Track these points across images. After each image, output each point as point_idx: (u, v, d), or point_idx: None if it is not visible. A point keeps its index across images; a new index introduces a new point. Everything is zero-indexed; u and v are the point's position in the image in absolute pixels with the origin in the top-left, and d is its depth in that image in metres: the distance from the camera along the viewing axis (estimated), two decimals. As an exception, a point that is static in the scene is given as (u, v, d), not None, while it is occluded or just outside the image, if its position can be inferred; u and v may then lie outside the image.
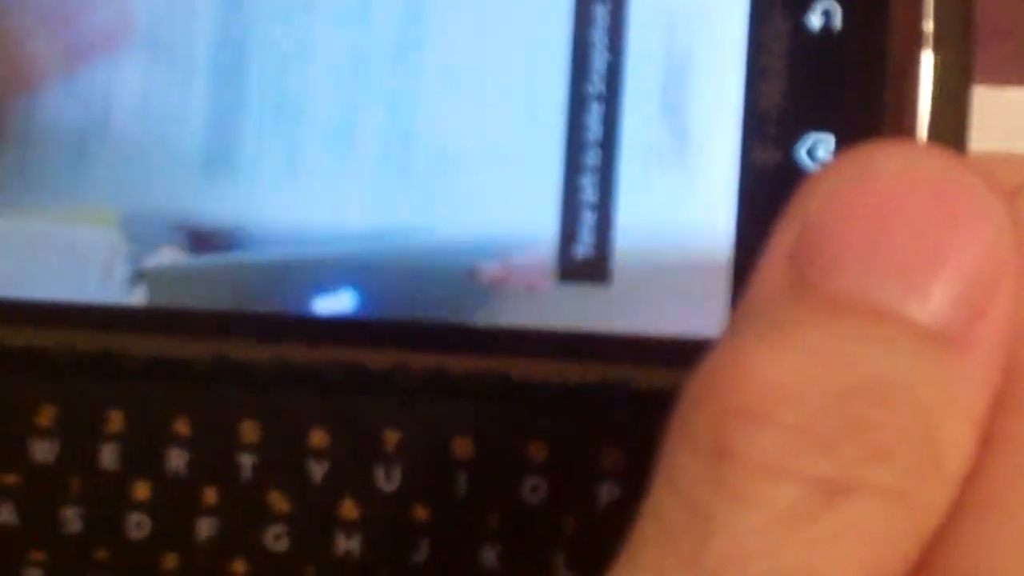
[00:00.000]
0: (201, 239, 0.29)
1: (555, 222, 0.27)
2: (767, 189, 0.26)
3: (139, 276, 0.29)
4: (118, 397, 0.29)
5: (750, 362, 0.18)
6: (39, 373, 0.29)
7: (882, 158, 0.20)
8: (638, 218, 0.27)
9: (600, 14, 0.27)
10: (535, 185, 0.27)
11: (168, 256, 0.29)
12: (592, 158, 0.27)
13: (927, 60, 0.25)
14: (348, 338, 0.28)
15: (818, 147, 0.25)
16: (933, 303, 0.18)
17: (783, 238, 0.20)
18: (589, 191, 0.27)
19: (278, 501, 0.28)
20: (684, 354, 0.26)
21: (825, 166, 0.20)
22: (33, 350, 0.29)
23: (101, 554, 0.29)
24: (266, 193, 0.28)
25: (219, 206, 0.29)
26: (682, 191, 0.26)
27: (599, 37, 0.27)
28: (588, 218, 0.27)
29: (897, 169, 0.19)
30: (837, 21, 0.25)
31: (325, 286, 0.28)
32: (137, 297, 0.29)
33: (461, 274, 0.27)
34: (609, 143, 0.27)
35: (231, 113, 0.29)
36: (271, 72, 0.29)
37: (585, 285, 0.27)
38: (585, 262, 0.27)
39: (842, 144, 0.25)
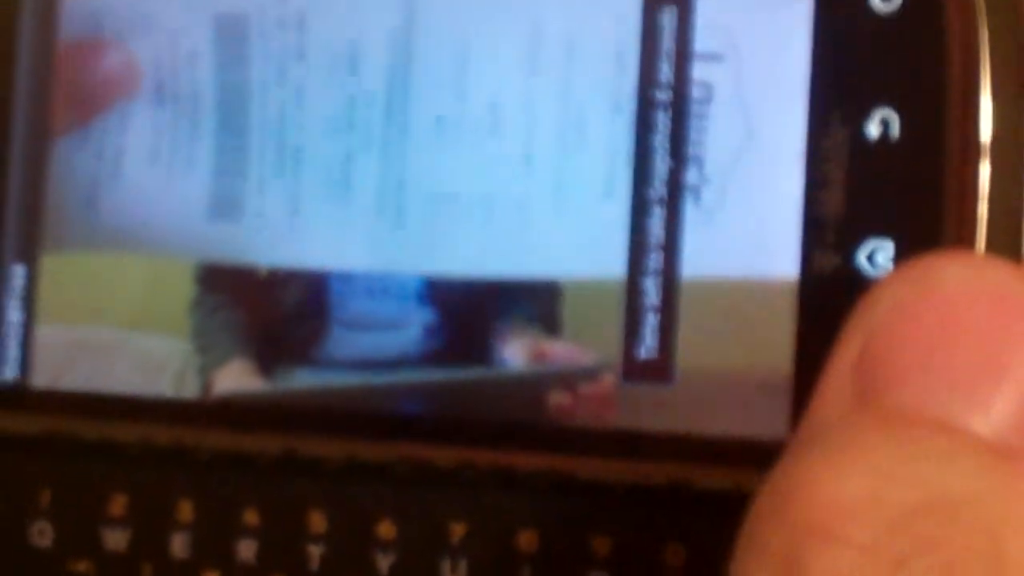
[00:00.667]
0: (270, 353, 0.30)
1: (619, 327, 0.28)
2: (827, 293, 0.26)
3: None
4: (189, 487, 0.29)
5: (819, 479, 0.18)
6: (112, 463, 0.30)
7: (943, 270, 0.20)
8: (701, 320, 0.27)
9: (662, 121, 0.27)
10: (600, 287, 0.28)
11: (238, 369, 0.30)
12: (655, 261, 0.27)
13: (984, 169, 0.25)
14: (416, 435, 0.28)
15: (878, 253, 0.26)
16: (995, 416, 0.19)
17: (847, 349, 0.20)
18: (652, 294, 0.27)
19: None
20: (746, 455, 0.26)
21: (887, 277, 0.21)
22: (107, 442, 0.30)
23: (172, 641, 0.30)
24: (359, 300, 0.29)
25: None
26: (744, 294, 0.27)
27: (661, 143, 0.27)
28: (651, 320, 0.27)
29: (958, 282, 0.20)
30: (895, 130, 0.26)
31: (395, 399, 0.29)
32: (194, 374, 0.30)
33: (529, 404, 0.28)
34: (671, 247, 0.27)
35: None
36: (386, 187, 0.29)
37: (649, 386, 0.27)
38: (648, 363, 0.27)
39: (901, 250, 0.26)
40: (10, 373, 0.30)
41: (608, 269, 0.28)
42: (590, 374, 0.28)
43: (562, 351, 0.28)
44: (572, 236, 0.28)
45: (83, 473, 0.30)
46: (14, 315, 0.30)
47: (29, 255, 0.30)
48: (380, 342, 0.29)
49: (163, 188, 0.31)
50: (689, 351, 0.27)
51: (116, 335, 0.30)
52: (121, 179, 0.31)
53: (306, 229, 0.30)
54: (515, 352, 0.28)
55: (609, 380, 0.28)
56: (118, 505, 0.30)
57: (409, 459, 0.28)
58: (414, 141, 0.29)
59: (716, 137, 0.27)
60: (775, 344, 0.26)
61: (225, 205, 0.30)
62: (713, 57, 0.27)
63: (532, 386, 0.28)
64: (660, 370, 0.27)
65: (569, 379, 0.28)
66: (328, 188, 0.30)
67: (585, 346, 0.28)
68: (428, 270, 0.29)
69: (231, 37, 0.31)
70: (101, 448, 0.30)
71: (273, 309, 0.30)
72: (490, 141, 0.29)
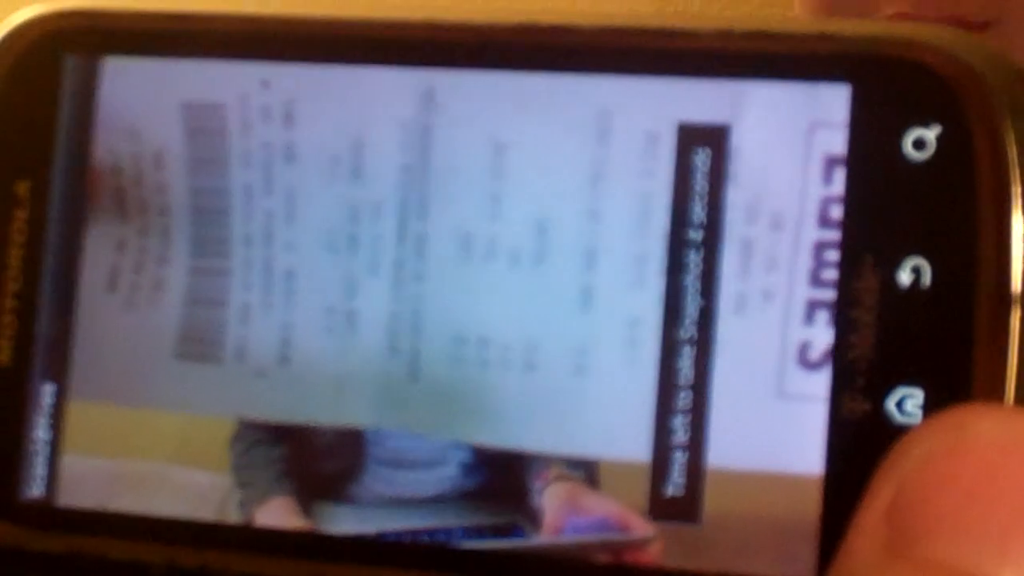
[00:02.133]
0: (308, 489, 0.29)
1: (647, 468, 0.28)
2: (856, 439, 0.26)
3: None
4: None
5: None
6: None
7: (976, 423, 0.20)
8: (729, 460, 0.27)
9: (693, 260, 0.28)
10: (629, 424, 0.28)
11: (278, 505, 0.29)
12: (684, 400, 0.27)
13: (1015, 319, 0.25)
14: (445, 564, 0.28)
15: (907, 401, 0.26)
16: (1027, 571, 0.19)
17: (879, 497, 0.20)
18: (680, 432, 0.27)
19: None
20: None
21: (920, 427, 0.21)
22: (135, 563, 0.30)
23: None
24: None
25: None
26: (773, 435, 0.27)
27: (692, 283, 0.28)
28: (679, 457, 0.27)
29: (991, 435, 0.20)
30: (927, 278, 0.26)
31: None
32: (235, 509, 0.30)
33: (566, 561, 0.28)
34: (701, 386, 0.27)
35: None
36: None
37: (676, 523, 0.27)
38: (675, 500, 0.27)
39: (931, 399, 0.26)
40: (37, 491, 0.30)
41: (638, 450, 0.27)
42: (633, 544, 0.28)
43: (598, 504, 0.28)
44: (605, 402, 0.27)
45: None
46: (42, 433, 0.30)
47: (59, 373, 0.30)
48: (417, 480, 0.29)
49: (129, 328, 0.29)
50: (717, 491, 0.27)
51: (154, 468, 0.30)
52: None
53: (298, 377, 0.28)
54: (552, 499, 0.28)
55: (653, 552, 0.27)
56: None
57: None
58: (434, 266, 0.28)
59: (744, 282, 0.27)
60: (804, 485, 0.27)
61: (195, 344, 0.29)
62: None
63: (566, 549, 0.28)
64: (687, 509, 0.27)
65: (611, 547, 0.28)
66: (325, 325, 0.28)
67: (622, 503, 0.28)
68: (445, 436, 0.28)
69: (203, 133, 0.29)
70: (126, 569, 0.30)
71: (310, 445, 0.29)
72: (535, 271, 0.28)
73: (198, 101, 0.29)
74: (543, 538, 0.28)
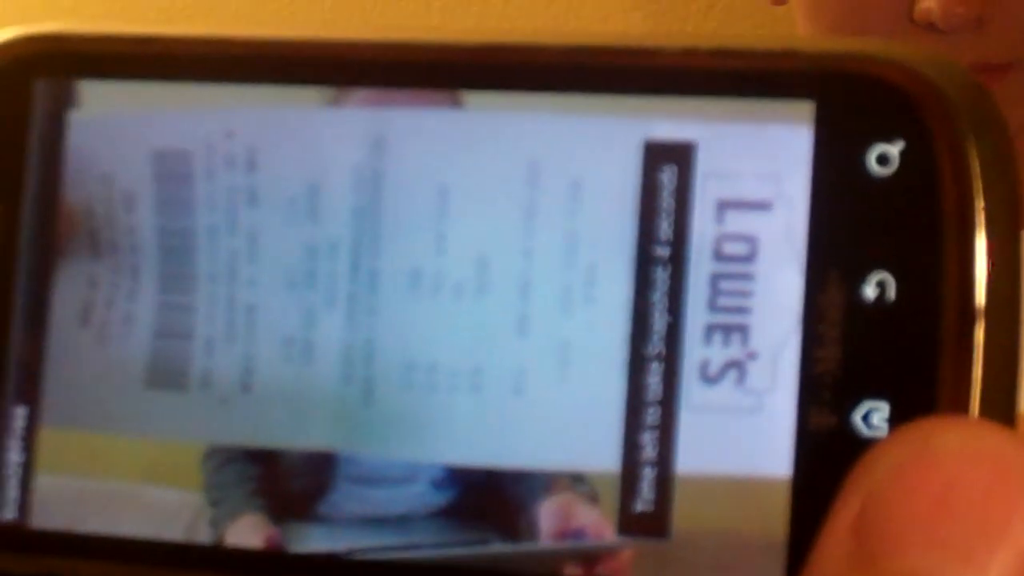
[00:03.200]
0: (279, 507, 0.29)
1: (616, 487, 0.28)
2: (822, 453, 0.26)
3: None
4: None
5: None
6: None
7: (939, 435, 0.20)
8: (697, 473, 0.27)
9: (661, 277, 0.28)
10: (595, 441, 0.28)
11: (249, 523, 0.29)
12: (652, 416, 0.28)
13: (979, 333, 0.26)
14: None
15: (873, 415, 0.26)
16: (992, 581, 0.19)
17: (845, 511, 0.21)
18: (649, 448, 0.28)
19: None
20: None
21: (886, 440, 0.21)
22: None
23: None
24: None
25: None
26: (740, 450, 0.27)
27: (659, 300, 0.28)
28: (648, 474, 0.28)
29: (955, 447, 0.20)
30: (891, 293, 0.26)
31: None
32: (206, 526, 0.30)
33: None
34: (669, 402, 0.28)
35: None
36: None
37: (644, 539, 0.28)
38: (644, 516, 0.28)
39: (897, 412, 0.26)
40: (9, 514, 0.30)
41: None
42: (612, 551, 0.28)
43: (590, 518, 0.28)
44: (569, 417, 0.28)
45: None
46: (14, 456, 0.30)
47: (31, 397, 0.30)
48: (388, 498, 0.29)
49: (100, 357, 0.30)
50: (685, 506, 0.27)
51: (126, 488, 0.30)
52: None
53: (259, 404, 0.29)
54: (546, 512, 0.28)
55: (626, 558, 0.28)
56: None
57: None
58: (386, 299, 0.29)
59: (712, 295, 0.28)
60: (770, 499, 0.27)
61: (163, 375, 0.30)
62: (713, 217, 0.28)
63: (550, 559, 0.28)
64: (656, 524, 0.28)
65: (589, 555, 0.28)
66: (284, 355, 0.29)
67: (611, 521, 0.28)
68: (397, 457, 0.28)
69: (171, 178, 0.30)
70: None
71: (282, 463, 0.29)
72: (477, 302, 0.29)
73: (166, 149, 0.30)
74: (514, 545, 0.28)
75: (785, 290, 0.27)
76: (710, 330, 0.28)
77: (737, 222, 0.28)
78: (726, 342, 0.27)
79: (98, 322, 0.30)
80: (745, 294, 0.27)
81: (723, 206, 0.28)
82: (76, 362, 0.30)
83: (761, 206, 0.27)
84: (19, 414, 0.30)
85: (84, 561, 0.30)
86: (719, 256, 0.28)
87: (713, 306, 0.28)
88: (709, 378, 0.27)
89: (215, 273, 0.30)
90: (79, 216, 0.30)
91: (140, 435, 0.30)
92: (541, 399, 0.28)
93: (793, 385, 0.27)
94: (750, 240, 0.27)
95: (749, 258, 0.27)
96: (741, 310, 0.27)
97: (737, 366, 0.27)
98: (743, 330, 0.27)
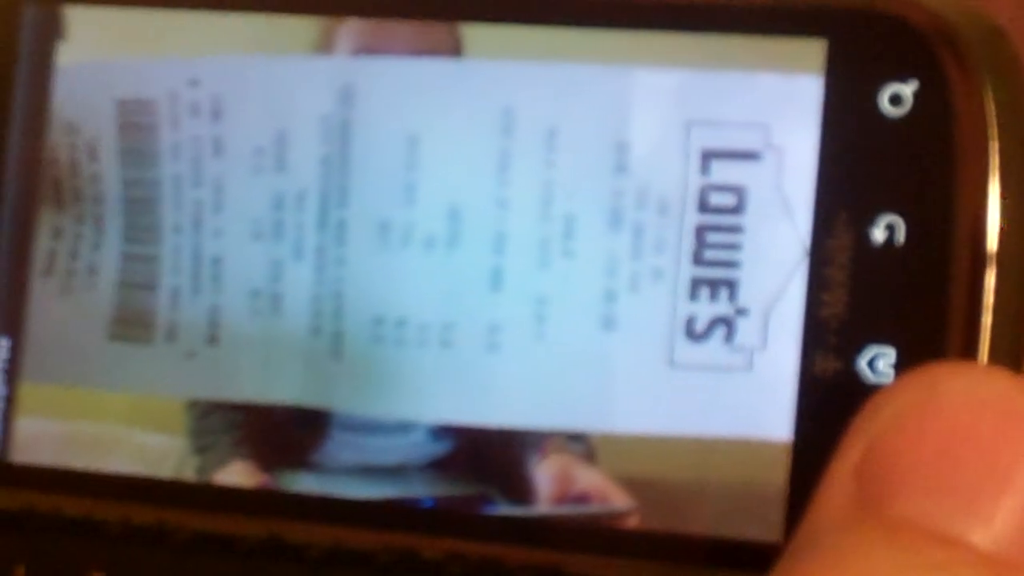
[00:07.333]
0: (269, 455, 0.29)
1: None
2: (827, 398, 0.26)
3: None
4: (169, 569, 0.29)
5: (817, 586, 0.18)
6: (93, 541, 0.29)
7: (947, 380, 0.20)
8: (683, 433, 0.27)
9: (642, 230, 0.27)
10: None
11: (237, 471, 0.29)
12: (634, 374, 0.27)
13: (990, 279, 0.25)
14: (402, 524, 0.28)
15: (879, 360, 0.26)
16: (996, 529, 0.19)
17: (848, 455, 0.20)
18: (632, 406, 0.27)
19: None
20: (741, 558, 0.26)
21: (891, 385, 0.21)
22: (87, 520, 0.29)
23: None
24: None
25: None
26: (742, 395, 0.27)
27: (641, 252, 0.27)
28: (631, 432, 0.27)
29: (962, 393, 0.20)
30: (900, 236, 0.26)
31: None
32: (192, 474, 0.29)
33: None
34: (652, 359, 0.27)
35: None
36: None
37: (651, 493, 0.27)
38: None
39: (903, 357, 0.25)
40: (-9, 447, 0.30)
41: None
42: (612, 516, 0.27)
43: (591, 482, 0.27)
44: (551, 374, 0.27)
45: (60, 550, 0.29)
46: None
47: (15, 327, 0.30)
48: (384, 446, 0.28)
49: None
50: (675, 463, 0.27)
51: (110, 430, 0.29)
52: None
53: (227, 357, 0.29)
54: (545, 473, 0.28)
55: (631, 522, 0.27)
56: (95, 583, 0.29)
57: (394, 548, 0.28)
58: (354, 251, 0.28)
59: (719, 232, 0.27)
60: (772, 445, 0.26)
61: (128, 327, 0.29)
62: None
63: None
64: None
65: (589, 519, 0.27)
66: (251, 307, 0.28)
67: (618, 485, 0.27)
68: (367, 412, 0.28)
69: (135, 127, 0.29)
70: (80, 526, 0.29)
71: (272, 409, 0.29)
72: (449, 254, 0.28)
73: (129, 97, 0.29)
74: (517, 508, 0.28)
75: (779, 243, 0.26)
76: (696, 284, 0.27)
77: (724, 172, 0.27)
78: (713, 297, 0.27)
79: (62, 272, 0.30)
80: (734, 247, 0.27)
81: (708, 155, 0.27)
82: (41, 315, 0.30)
83: (752, 155, 0.27)
84: (2, 344, 0.30)
85: (67, 497, 0.29)
86: (704, 207, 0.27)
87: (699, 260, 0.27)
88: (695, 335, 0.27)
89: (180, 224, 0.29)
90: (47, 165, 0.30)
91: (109, 389, 0.29)
92: (516, 356, 0.28)
93: (792, 334, 0.26)
94: (738, 190, 0.27)
95: (737, 210, 0.27)
96: (748, 258, 0.27)
97: (725, 322, 0.27)
98: (731, 285, 0.27)
